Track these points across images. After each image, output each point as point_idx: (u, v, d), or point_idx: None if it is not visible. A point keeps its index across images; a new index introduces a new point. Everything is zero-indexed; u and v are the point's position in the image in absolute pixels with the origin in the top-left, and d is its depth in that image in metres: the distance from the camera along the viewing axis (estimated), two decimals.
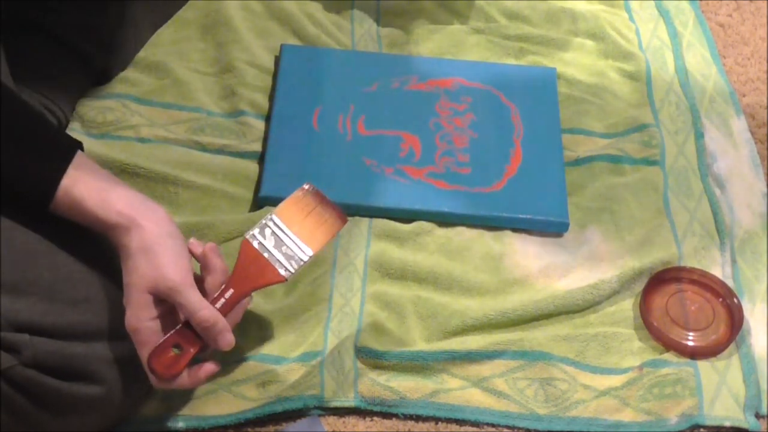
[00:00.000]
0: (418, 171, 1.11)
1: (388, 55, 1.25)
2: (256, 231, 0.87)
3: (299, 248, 0.87)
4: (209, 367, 0.86)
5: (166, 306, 0.83)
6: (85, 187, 0.82)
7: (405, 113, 1.16)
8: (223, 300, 0.85)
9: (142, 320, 0.82)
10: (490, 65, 1.25)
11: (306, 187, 0.90)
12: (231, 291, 0.85)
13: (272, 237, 0.87)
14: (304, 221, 0.88)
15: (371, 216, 1.08)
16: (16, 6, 1.07)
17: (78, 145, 0.85)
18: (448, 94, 1.19)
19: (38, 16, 1.09)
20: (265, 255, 0.86)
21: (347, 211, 1.02)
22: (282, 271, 0.86)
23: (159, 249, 0.82)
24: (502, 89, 1.20)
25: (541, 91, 1.21)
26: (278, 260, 0.86)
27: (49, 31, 1.09)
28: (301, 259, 0.87)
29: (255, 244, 0.87)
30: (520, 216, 1.08)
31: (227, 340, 0.83)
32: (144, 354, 0.82)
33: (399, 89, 1.19)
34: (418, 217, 1.08)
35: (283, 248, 0.86)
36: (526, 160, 1.13)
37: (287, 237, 0.87)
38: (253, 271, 0.86)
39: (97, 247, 0.87)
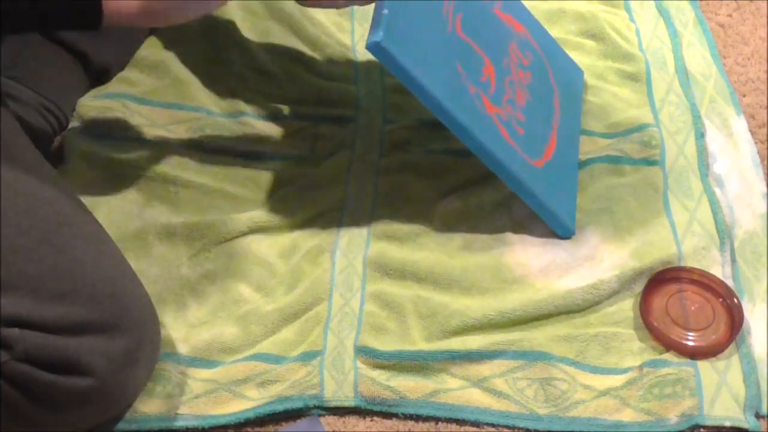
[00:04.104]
0: (491, 106, 1.02)
1: None
2: None
3: None
4: None
5: None
6: None
7: (490, 36, 1.07)
8: None
9: None
10: (549, 35, 1.19)
11: None
12: None
13: None
14: None
15: (445, 121, 0.97)
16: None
17: None
18: (518, 40, 1.12)
19: None
20: None
21: (429, 104, 0.95)
22: None
23: None
24: (552, 66, 1.16)
25: (574, 88, 1.18)
26: None
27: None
28: None
29: None
30: (548, 204, 1.05)
31: None
32: None
33: (488, 6, 1.10)
34: (476, 150, 1.00)
35: None
36: (558, 151, 1.10)
37: None
38: None
39: (95, 228, 0.88)
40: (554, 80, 1.16)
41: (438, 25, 1.00)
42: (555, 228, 1.07)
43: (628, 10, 1.35)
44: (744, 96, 1.26)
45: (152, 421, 0.93)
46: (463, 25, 1.03)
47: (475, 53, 1.04)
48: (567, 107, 1.16)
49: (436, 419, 0.95)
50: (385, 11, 0.93)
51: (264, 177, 1.12)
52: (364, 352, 0.97)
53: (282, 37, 1.26)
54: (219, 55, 1.23)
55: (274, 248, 1.06)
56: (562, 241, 1.08)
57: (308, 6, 1.06)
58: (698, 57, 1.29)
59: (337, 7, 1.09)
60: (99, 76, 1.17)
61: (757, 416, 0.96)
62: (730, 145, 1.19)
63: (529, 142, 1.06)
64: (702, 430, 0.95)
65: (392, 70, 0.94)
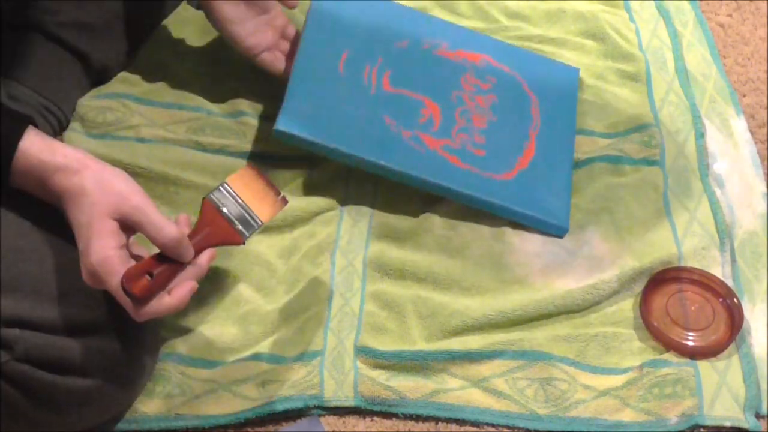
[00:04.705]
0: (434, 141, 1.08)
1: (424, 15, 1.22)
2: (213, 194, 0.89)
3: (252, 217, 0.90)
4: (191, 283, 0.85)
5: (129, 237, 0.84)
6: (29, 141, 0.83)
7: (430, 78, 1.13)
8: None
9: (110, 248, 0.81)
10: (520, 50, 1.22)
11: (252, 167, 0.94)
12: (194, 240, 0.87)
13: (229, 202, 0.89)
14: (253, 195, 0.91)
15: (381, 175, 1.06)
16: (14, 6, 1.08)
17: (29, 119, 0.86)
18: (474, 69, 1.16)
19: (36, 17, 1.10)
20: (225, 217, 0.89)
21: (359, 165, 1.02)
22: (243, 237, 0.89)
23: (117, 181, 0.84)
24: (526, 78, 1.18)
25: (562, 89, 1.19)
26: (236, 224, 0.89)
27: (47, 32, 1.10)
28: (255, 226, 0.90)
29: (216, 205, 0.89)
30: (524, 211, 1.07)
31: (191, 253, 0.84)
32: (115, 282, 0.80)
33: (428, 51, 1.16)
34: (425, 188, 1.06)
35: (239, 214, 0.90)
36: (538, 156, 1.11)
37: (241, 205, 0.90)
38: (213, 229, 0.88)
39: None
40: (530, 90, 1.17)
41: (355, 91, 1.09)
42: (545, 229, 1.08)
43: (628, 10, 1.35)
44: (744, 96, 1.26)
45: (152, 421, 0.93)
46: (392, 80, 1.11)
47: (409, 100, 1.10)
48: (552, 111, 1.16)
49: (436, 419, 0.95)
50: (287, 98, 1.05)
51: None
52: (364, 352, 0.97)
53: None
54: (219, 55, 1.23)
55: (274, 248, 1.06)
56: (562, 241, 1.08)
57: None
58: (698, 57, 1.29)
59: None
60: (99, 76, 1.17)
61: (757, 416, 0.96)
62: (730, 145, 1.19)
63: (494, 158, 1.09)
64: (702, 430, 0.95)
65: (304, 147, 1.04)
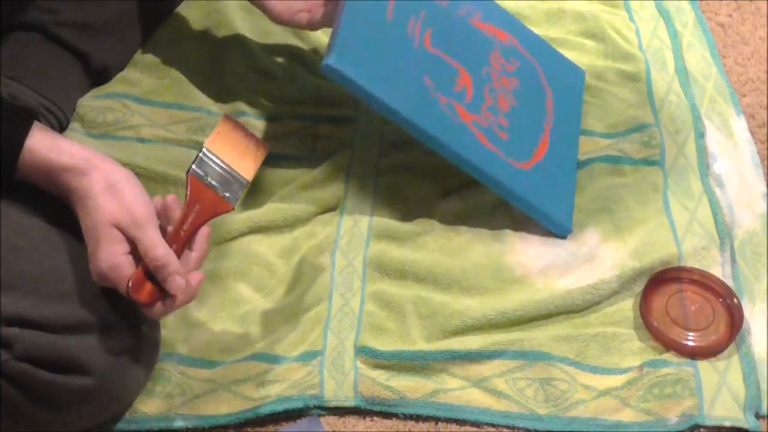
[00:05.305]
0: (467, 114, 1.06)
1: None
2: (196, 165, 0.89)
3: (236, 177, 0.90)
4: (199, 275, 0.86)
5: (132, 244, 0.84)
6: (36, 138, 0.83)
7: (465, 47, 1.11)
8: (181, 232, 0.86)
9: (119, 254, 0.82)
10: (540, 39, 1.21)
11: (228, 119, 0.93)
12: (186, 223, 0.87)
13: (212, 169, 0.89)
14: (234, 152, 0.91)
15: (412, 135, 1.03)
16: (15, 6, 1.08)
17: (34, 114, 0.86)
18: (501, 48, 1.14)
19: (36, 17, 1.10)
20: (212, 187, 0.89)
21: (395, 119, 1.00)
22: (232, 203, 0.89)
23: (123, 186, 0.83)
24: (544, 69, 1.17)
25: (571, 88, 1.19)
26: (222, 191, 0.89)
27: (47, 32, 1.10)
28: (241, 188, 0.90)
29: (200, 177, 0.89)
30: (537, 205, 1.06)
31: (177, 283, 0.83)
32: (125, 286, 0.81)
33: (464, 18, 1.13)
34: (450, 158, 1.04)
35: (224, 179, 0.89)
36: (551, 152, 1.11)
37: (224, 168, 0.90)
38: (203, 204, 0.88)
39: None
40: (547, 83, 1.16)
41: (401, 42, 1.04)
42: (549, 227, 1.07)
43: (628, 10, 1.35)
44: (744, 96, 1.26)
45: (152, 421, 0.93)
46: (432, 39, 1.07)
47: (447, 65, 1.07)
48: (563, 108, 1.16)
49: (436, 419, 0.95)
50: (339, 35, 0.99)
51: (264, 177, 1.12)
52: (364, 352, 0.97)
53: (282, 37, 1.26)
54: (219, 55, 1.23)
55: (274, 248, 1.06)
56: (562, 241, 1.08)
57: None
58: (698, 57, 1.29)
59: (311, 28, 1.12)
60: (99, 76, 1.17)
61: (757, 416, 0.96)
62: (730, 145, 1.19)
63: (515, 145, 1.07)
64: (702, 430, 0.95)
65: (350, 89, 0.99)
